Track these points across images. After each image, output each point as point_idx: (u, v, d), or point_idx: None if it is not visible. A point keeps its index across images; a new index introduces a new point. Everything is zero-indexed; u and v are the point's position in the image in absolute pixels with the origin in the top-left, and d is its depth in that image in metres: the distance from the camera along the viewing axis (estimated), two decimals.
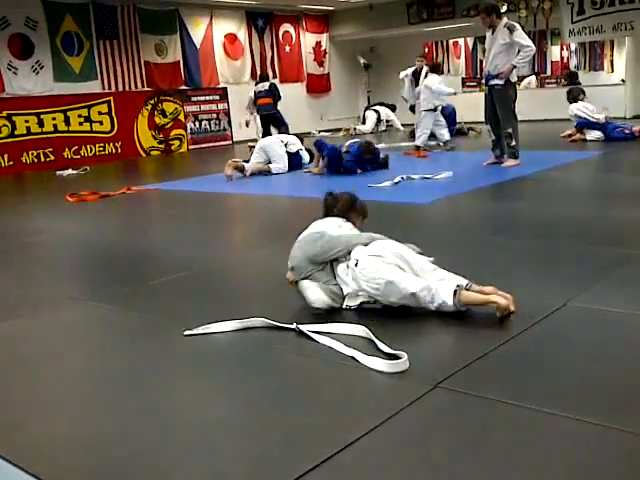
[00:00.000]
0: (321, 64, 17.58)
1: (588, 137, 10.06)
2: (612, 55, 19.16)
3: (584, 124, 10.10)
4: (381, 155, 8.49)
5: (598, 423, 1.98)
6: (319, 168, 8.41)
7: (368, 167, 8.21)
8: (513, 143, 7.80)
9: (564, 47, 18.21)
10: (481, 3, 8.02)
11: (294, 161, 9.01)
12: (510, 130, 7.77)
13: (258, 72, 15.56)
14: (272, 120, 12.39)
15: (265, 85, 12.43)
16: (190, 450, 1.99)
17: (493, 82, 7.68)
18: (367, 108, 16.17)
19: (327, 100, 17.60)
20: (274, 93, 12.28)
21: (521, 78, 17.49)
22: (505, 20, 7.61)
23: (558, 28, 14.45)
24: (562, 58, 18.69)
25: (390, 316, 3.01)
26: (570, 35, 13.92)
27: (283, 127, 12.17)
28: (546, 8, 14.09)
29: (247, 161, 8.88)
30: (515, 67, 7.53)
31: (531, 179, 6.93)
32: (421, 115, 10.10)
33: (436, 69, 10.68)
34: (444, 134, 10.36)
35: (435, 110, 10.07)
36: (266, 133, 12.39)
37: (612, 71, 18.97)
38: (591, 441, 1.91)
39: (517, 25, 7.58)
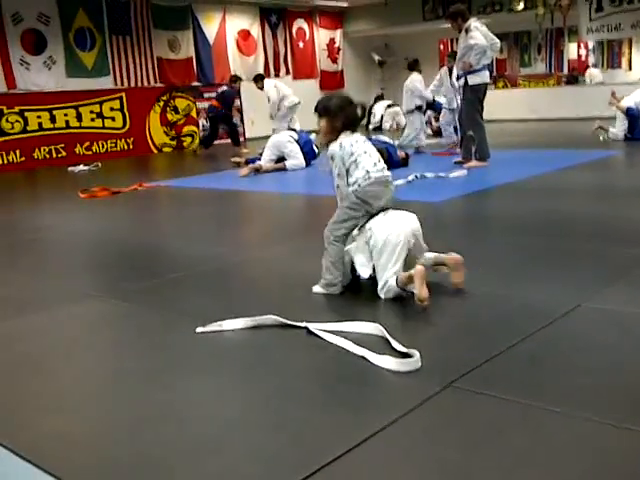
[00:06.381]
0: (335, 61, 17.50)
1: (610, 131, 9.82)
2: (630, 53, 18.93)
3: (636, 115, 9.69)
4: (399, 153, 8.28)
5: (611, 423, 1.94)
6: None
7: None
8: (474, 147, 7.74)
9: (581, 45, 17.99)
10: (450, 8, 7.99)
11: (309, 157, 8.94)
12: (471, 133, 7.72)
13: (271, 69, 15.51)
14: (221, 120, 12.25)
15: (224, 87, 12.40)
16: (200, 448, 1.95)
17: (458, 83, 7.77)
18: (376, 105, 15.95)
19: None
20: (224, 100, 12.06)
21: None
22: (468, 22, 7.50)
23: (576, 26, 14.28)
24: (579, 56, 18.46)
25: (402, 314, 2.99)
26: (588, 33, 13.78)
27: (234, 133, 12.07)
28: (564, 5, 13.93)
29: (254, 160, 8.86)
30: (471, 66, 7.40)
31: (547, 177, 6.81)
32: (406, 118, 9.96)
33: (412, 66, 9.75)
34: (422, 139, 9.82)
35: (420, 109, 9.64)
36: (213, 135, 12.34)
37: (630, 69, 18.74)
38: (605, 441, 1.87)
39: (474, 25, 7.46)
